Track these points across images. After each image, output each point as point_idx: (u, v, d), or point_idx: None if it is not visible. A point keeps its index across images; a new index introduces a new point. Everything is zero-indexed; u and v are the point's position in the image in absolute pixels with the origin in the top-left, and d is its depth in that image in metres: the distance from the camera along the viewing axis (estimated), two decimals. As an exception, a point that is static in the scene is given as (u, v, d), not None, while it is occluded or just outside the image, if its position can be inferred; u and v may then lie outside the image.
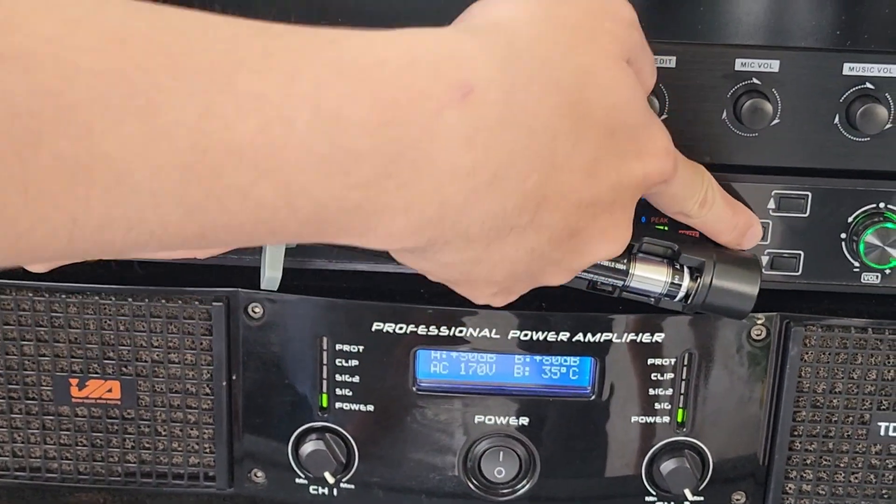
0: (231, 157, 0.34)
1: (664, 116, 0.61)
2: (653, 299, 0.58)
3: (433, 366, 0.65)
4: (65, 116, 0.31)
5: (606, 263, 0.55)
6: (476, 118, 0.39)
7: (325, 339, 0.64)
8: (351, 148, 0.37)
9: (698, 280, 0.57)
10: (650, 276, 0.56)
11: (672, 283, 0.57)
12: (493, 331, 0.64)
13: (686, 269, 0.57)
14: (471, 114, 0.39)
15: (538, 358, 0.65)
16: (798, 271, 0.64)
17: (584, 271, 0.55)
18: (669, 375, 0.65)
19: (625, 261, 0.56)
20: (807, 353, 0.65)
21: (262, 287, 0.54)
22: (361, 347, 0.64)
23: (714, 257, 0.57)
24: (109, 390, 0.66)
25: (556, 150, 0.42)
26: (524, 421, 0.66)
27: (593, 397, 0.65)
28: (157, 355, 0.65)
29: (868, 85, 0.60)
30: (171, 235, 0.35)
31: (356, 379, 0.65)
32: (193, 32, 0.35)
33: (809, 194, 0.63)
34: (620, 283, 0.56)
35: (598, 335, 0.64)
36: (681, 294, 0.57)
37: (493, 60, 0.41)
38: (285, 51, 0.37)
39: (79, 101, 0.32)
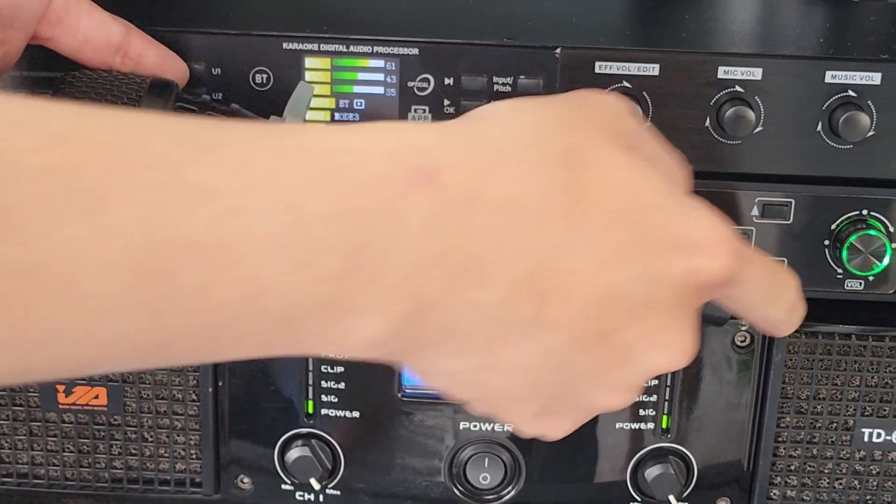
0: (185, 253, 0.32)
1: (647, 124, 0.61)
2: None
3: (419, 372, 0.65)
4: (2, 221, 0.29)
5: None
6: (443, 201, 0.35)
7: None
8: (312, 237, 0.34)
9: None
10: None
11: None
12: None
13: None
14: (438, 197, 0.35)
15: (523, 364, 0.65)
16: (782, 278, 0.64)
17: None
18: (654, 382, 0.65)
19: None
20: (791, 360, 0.65)
21: None
22: (347, 354, 0.65)
23: None
24: (96, 397, 0.66)
25: (551, 234, 0.37)
26: (509, 427, 0.66)
27: (578, 404, 0.65)
28: (144, 362, 0.65)
29: (850, 93, 0.61)
30: (129, 347, 0.33)
31: (342, 385, 0.65)
32: (141, 130, 0.33)
33: (793, 201, 0.63)
34: None
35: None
36: None
37: (460, 145, 0.37)
38: (238, 141, 0.34)
39: (17, 204, 0.30)
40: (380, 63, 0.61)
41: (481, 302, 0.36)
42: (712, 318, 0.57)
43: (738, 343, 0.65)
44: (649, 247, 0.39)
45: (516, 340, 0.38)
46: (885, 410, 0.65)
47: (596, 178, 0.38)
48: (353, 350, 0.37)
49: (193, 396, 0.66)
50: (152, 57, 0.57)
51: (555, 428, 0.43)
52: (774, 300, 0.45)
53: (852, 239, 0.62)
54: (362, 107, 0.62)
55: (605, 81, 0.61)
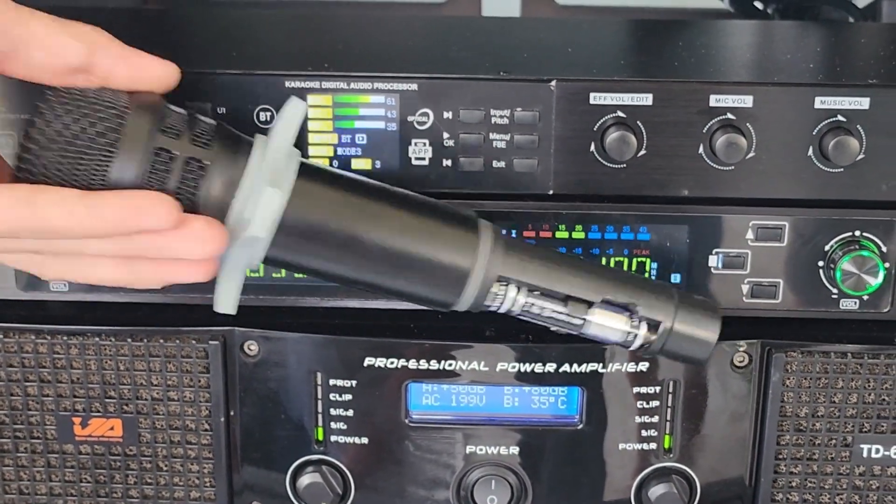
0: None
1: (643, 152, 0.63)
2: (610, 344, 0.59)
3: (425, 398, 0.67)
4: None
5: (562, 314, 0.57)
6: None
7: (318, 375, 0.66)
8: None
9: (654, 335, 0.57)
10: (608, 325, 0.57)
11: (629, 332, 0.57)
12: (483, 363, 0.66)
13: (643, 322, 0.57)
14: None
15: (527, 389, 0.67)
16: (778, 299, 0.66)
17: (540, 317, 0.57)
18: (655, 403, 0.66)
19: (581, 312, 0.57)
20: (788, 379, 0.66)
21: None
22: (354, 382, 0.66)
23: (672, 317, 0.57)
24: (111, 428, 0.68)
25: None
26: (515, 450, 0.67)
27: (581, 426, 0.67)
28: (157, 393, 0.67)
29: (840, 117, 0.62)
30: None
31: (350, 413, 0.67)
32: None
33: (786, 224, 0.65)
34: (575, 332, 0.58)
35: (585, 366, 0.66)
36: (637, 344, 0.58)
37: None
38: None
39: None
40: (380, 98, 0.63)
41: None
42: (691, 360, 0.58)
43: (737, 363, 0.66)
44: None
45: None
46: (883, 426, 0.67)
47: None
48: None
49: (206, 426, 0.68)
50: (122, 71, 0.53)
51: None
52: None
53: (846, 260, 0.64)
54: (364, 141, 0.63)
55: (600, 112, 0.62)
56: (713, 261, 0.65)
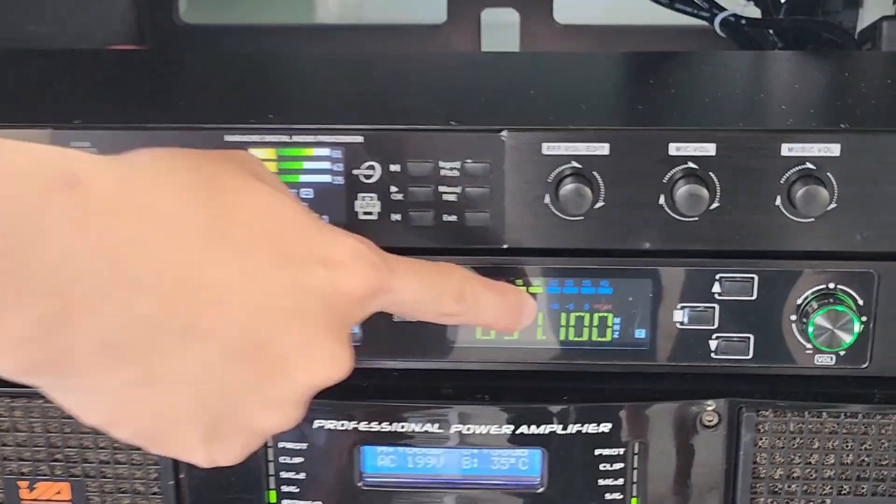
0: None
1: (600, 204, 0.60)
2: None
3: (379, 460, 0.64)
4: None
5: None
6: (87, 204, 0.36)
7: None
8: None
9: None
10: None
11: None
12: (437, 425, 0.63)
13: None
14: (80, 200, 0.36)
15: (486, 450, 0.64)
16: (748, 355, 0.63)
17: None
18: (619, 465, 0.63)
19: None
20: (761, 439, 0.63)
21: None
22: (305, 445, 0.64)
23: None
24: (59, 492, 0.65)
25: (194, 246, 0.39)
26: (473, 514, 0.64)
27: (543, 489, 0.64)
28: (105, 456, 0.65)
29: (808, 165, 0.59)
30: None
31: (302, 476, 0.64)
32: None
33: (755, 277, 0.61)
34: None
35: (544, 427, 0.63)
36: None
37: (104, 162, 0.39)
38: None
39: None
40: (325, 152, 0.60)
41: (134, 308, 0.37)
42: None
43: (706, 423, 0.63)
44: (292, 260, 0.41)
45: (173, 350, 0.38)
46: (862, 488, 0.63)
47: (235, 199, 0.41)
48: (1, 349, 0.36)
49: (156, 489, 0.65)
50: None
51: (225, 453, 0.43)
52: (440, 297, 0.49)
53: (819, 314, 0.60)
54: (310, 195, 0.61)
55: (554, 162, 0.59)
56: (679, 315, 0.62)
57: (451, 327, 0.63)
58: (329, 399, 0.63)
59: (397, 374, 0.64)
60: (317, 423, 0.63)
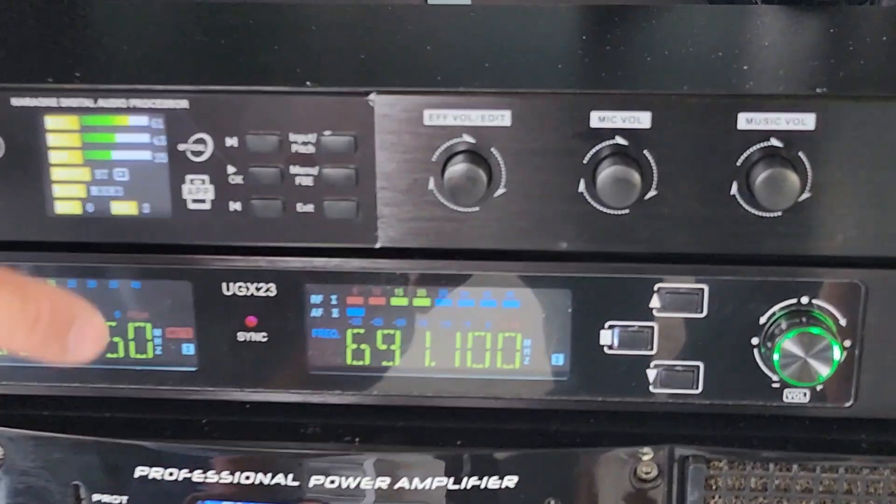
0: None
1: (501, 191, 0.46)
2: None
3: (222, 519, 0.50)
4: None
5: None
6: None
7: (80, 488, 0.50)
8: None
9: None
10: None
11: None
12: (292, 476, 0.49)
13: None
14: None
15: (362, 505, 0.50)
16: (697, 388, 0.49)
17: None
18: (529, 530, 0.49)
19: None
20: (713, 499, 0.48)
21: None
22: (125, 498, 0.50)
23: None
24: None
25: None
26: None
27: (429, 560, 0.49)
28: None
29: (773, 142, 0.44)
30: None
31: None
32: None
33: (705, 288, 0.47)
34: None
35: (431, 480, 0.48)
36: None
37: None
38: None
39: None
40: (142, 121, 0.46)
41: None
42: None
43: (641, 476, 0.49)
44: None
45: None
46: (844, 563, 0.49)
47: None
48: None
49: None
50: None
51: None
52: None
53: (788, 338, 0.46)
54: (125, 178, 0.47)
55: (440, 135, 0.45)
56: (606, 337, 0.48)
57: (314, 349, 0.49)
58: (155, 440, 0.49)
59: (247, 407, 0.50)
60: (139, 472, 0.49)
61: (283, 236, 0.47)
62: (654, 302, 0.48)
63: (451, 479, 0.48)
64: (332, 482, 0.48)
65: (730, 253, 0.47)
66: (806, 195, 0.45)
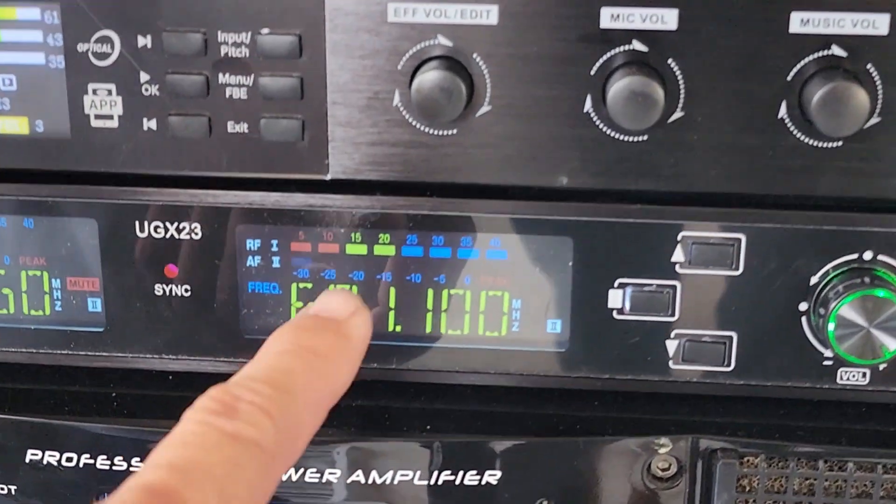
0: None
1: (485, 109, 0.36)
2: None
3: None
4: None
5: None
6: None
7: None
8: None
9: None
10: None
11: None
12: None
13: None
14: None
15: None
16: (728, 365, 0.39)
17: None
18: (515, 537, 0.39)
19: None
20: (745, 501, 0.39)
21: None
22: (13, 488, 0.40)
23: None
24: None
25: None
26: None
27: (392, 573, 0.40)
28: None
29: (835, 50, 0.35)
30: None
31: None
32: None
33: (742, 238, 0.38)
34: None
35: (394, 473, 0.39)
36: None
37: None
38: None
39: None
40: (32, 14, 0.37)
41: None
42: None
43: (657, 473, 0.39)
44: None
45: None
46: (906, 584, 0.39)
47: None
48: None
49: None
50: None
51: None
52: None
53: (846, 303, 0.37)
54: (12, 86, 0.38)
55: (406, 35, 0.36)
56: (616, 299, 0.39)
57: (249, 307, 0.40)
58: (50, 416, 0.39)
59: (168, 378, 0.41)
60: (31, 455, 0.40)
61: (209, 163, 0.38)
62: (678, 255, 0.38)
63: (418, 473, 0.39)
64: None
65: (774, 194, 0.38)
66: (874, 120, 0.37)
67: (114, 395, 0.41)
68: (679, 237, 0.39)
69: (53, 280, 0.41)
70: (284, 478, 0.40)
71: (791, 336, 0.39)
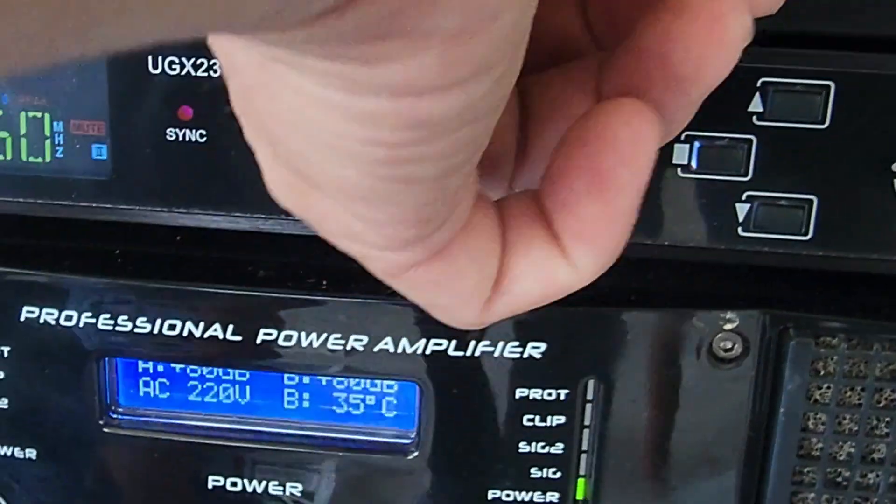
0: None
1: None
2: None
3: (143, 387, 0.37)
4: None
5: None
6: None
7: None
8: None
9: None
10: None
11: None
12: (232, 328, 0.35)
13: None
14: None
15: (322, 378, 0.36)
16: (807, 233, 0.34)
17: None
18: (558, 420, 0.35)
19: None
20: (819, 389, 0.35)
21: None
22: (7, 348, 0.37)
23: None
24: None
25: None
26: (297, 487, 0.37)
27: (416, 453, 0.36)
28: None
29: None
30: None
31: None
32: None
33: (831, 86, 0.33)
34: None
35: (421, 342, 0.35)
36: None
37: None
38: None
39: None
40: None
41: None
42: None
43: (720, 353, 0.35)
44: None
45: None
46: None
47: None
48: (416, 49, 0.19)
49: None
50: None
51: None
52: None
53: (949, 161, 0.32)
54: None
55: None
56: (681, 154, 0.34)
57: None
58: (49, 271, 0.36)
59: (178, 234, 0.37)
60: (27, 312, 0.36)
61: None
62: (755, 104, 0.33)
63: (451, 343, 0.35)
64: (289, 339, 0.35)
65: (872, 34, 0.32)
66: None
67: (117, 251, 0.38)
68: (759, 83, 0.34)
69: (55, 123, 0.37)
70: (272, 337, 0.36)
71: (881, 201, 0.35)
